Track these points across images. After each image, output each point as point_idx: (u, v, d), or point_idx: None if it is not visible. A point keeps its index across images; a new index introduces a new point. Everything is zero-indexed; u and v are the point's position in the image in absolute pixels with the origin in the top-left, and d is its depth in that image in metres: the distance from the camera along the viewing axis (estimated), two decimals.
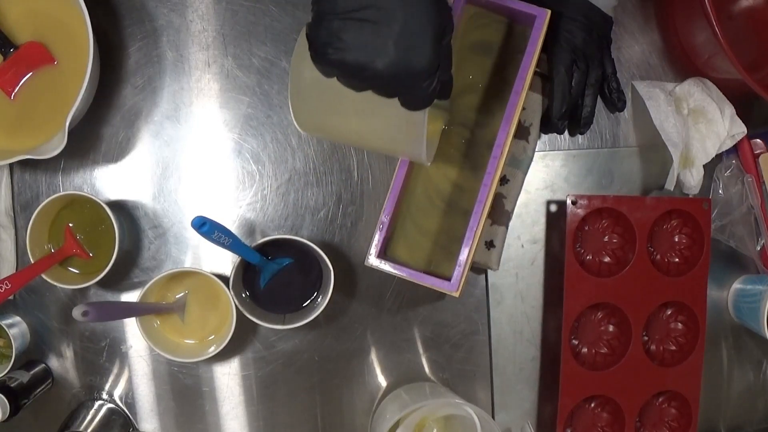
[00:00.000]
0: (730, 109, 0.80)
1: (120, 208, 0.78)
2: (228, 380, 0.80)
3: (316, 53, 0.49)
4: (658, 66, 0.83)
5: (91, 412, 0.77)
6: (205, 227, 0.64)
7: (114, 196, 0.79)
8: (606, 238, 0.80)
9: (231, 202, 0.79)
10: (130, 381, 0.80)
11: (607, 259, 0.80)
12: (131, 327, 0.78)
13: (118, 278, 0.78)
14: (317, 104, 0.60)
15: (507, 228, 0.77)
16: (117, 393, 0.80)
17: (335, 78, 0.51)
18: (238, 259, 0.72)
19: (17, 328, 0.77)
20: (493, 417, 0.82)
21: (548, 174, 0.82)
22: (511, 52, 0.74)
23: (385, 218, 0.70)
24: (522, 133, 0.76)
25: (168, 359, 0.76)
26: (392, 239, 0.74)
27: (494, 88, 0.73)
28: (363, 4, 0.47)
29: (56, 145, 0.67)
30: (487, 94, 0.74)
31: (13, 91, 0.74)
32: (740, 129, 0.80)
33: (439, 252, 0.73)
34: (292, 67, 0.59)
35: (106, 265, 0.72)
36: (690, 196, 0.82)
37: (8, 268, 0.78)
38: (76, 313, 0.60)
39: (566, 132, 0.82)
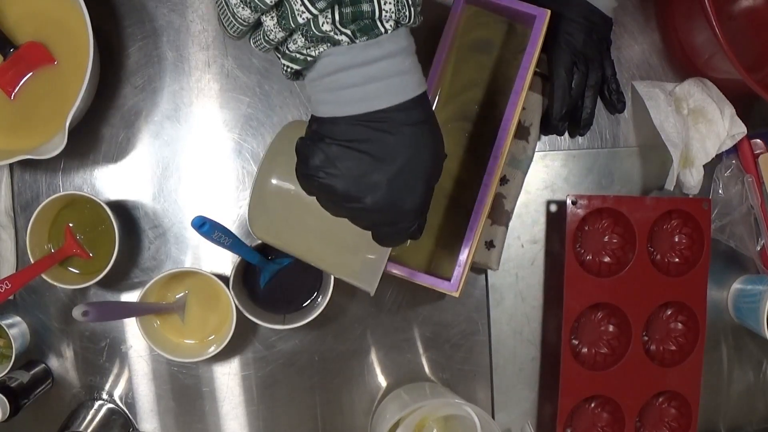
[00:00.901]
0: (730, 109, 0.80)
1: (120, 208, 0.78)
2: (228, 380, 0.80)
3: (306, 173, 0.48)
4: (658, 66, 0.83)
5: (91, 412, 0.77)
6: (205, 227, 0.64)
7: (114, 196, 0.79)
8: (606, 238, 0.80)
9: (231, 202, 0.79)
10: (130, 381, 0.80)
11: (607, 259, 0.80)
12: (131, 327, 0.78)
13: (118, 278, 0.78)
14: (278, 215, 0.59)
15: (507, 228, 0.77)
16: (117, 393, 0.80)
17: (304, 194, 0.51)
18: (238, 259, 0.72)
19: (17, 328, 0.77)
20: (493, 417, 0.82)
21: (548, 174, 0.82)
22: (512, 50, 0.74)
23: None
24: (522, 133, 0.76)
25: (168, 359, 0.76)
26: None
27: (496, 83, 0.74)
28: (367, 136, 0.47)
29: (56, 145, 0.67)
30: (489, 89, 0.74)
31: (13, 91, 0.74)
32: (740, 129, 0.80)
33: (441, 251, 0.73)
34: (259, 172, 0.59)
35: (106, 265, 0.72)
36: (690, 196, 0.82)
37: (8, 268, 0.78)
38: (76, 313, 0.60)
39: (566, 133, 0.82)
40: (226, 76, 0.78)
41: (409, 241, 0.72)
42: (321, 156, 0.47)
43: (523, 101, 0.69)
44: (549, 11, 0.69)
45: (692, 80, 0.81)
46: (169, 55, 0.78)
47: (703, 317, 0.79)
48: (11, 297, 0.76)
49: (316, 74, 0.48)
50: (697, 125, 0.80)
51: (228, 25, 0.51)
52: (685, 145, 0.79)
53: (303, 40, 0.46)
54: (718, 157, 0.82)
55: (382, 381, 0.81)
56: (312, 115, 0.49)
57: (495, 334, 0.82)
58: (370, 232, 0.52)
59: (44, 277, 0.72)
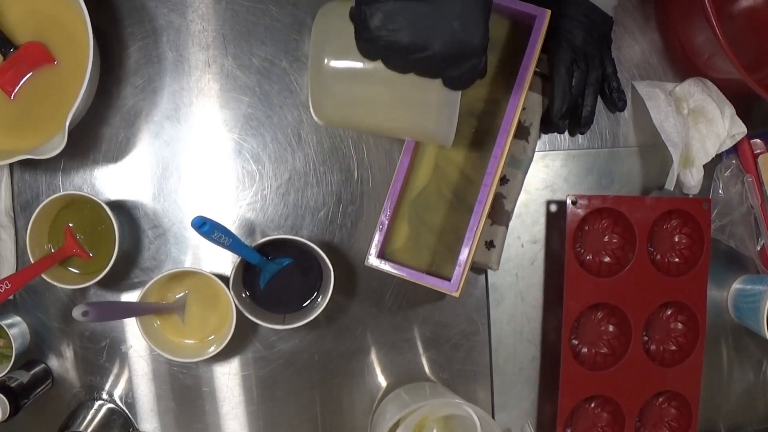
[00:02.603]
0: (730, 109, 0.80)
1: (120, 208, 0.78)
2: (228, 380, 0.80)
3: (369, 36, 0.48)
4: (658, 66, 0.83)
5: (91, 412, 0.77)
6: (205, 227, 0.64)
7: (114, 196, 0.79)
8: (606, 238, 0.80)
9: (231, 202, 0.79)
10: (130, 381, 0.80)
11: (607, 259, 0.80)
12: (131, 327, 0.78)
13: (118, 278, 0.78)
14: (341, 93, 0.59)
15: (507, 228, 0.77)
16: (117, 393, 0.80)
17: (364, 64, 0.51)
18: (238, 259, 0.72)
19: (17, 328, 0.77)
20: (493, 417, 0.82)
21: (548, 174, 0.82)
22: (515, 48, 0.74)
23: (384, 218, 0.70)
24: (522, 133, 0.76)
25: (168, 359, 0.76)
26: (393, 238, 0.74)
27: (499, 79, 0.74)
28: None
29: (56, 145, 0.67)
30: (493, 86, 0.74)
31: (13, 91, 0.74)
32: (740, 129, 0.80)
33: (443, 251, 0.73)
34: (312, 56, 0.58)
35: (106, 265, 0.72)
36: (690, 196, 0.82)
37: (8, 268, 0.78)
38: (76, 313, 0.60)
39: (566, 132, 0.82)
40: (226, 76, 0.78)
41: (412, 236, 0.73)
42: (380, 15, 0.47)
43: (523, 101, 0.69)
44: (549, 11, 0.69)
45: (692, 80, 0.81)
46: (169, 55, 0.78)
47: (703, 317, 0.79)
48: (11, 297, 0.76)
49: None
50: (697, 125, 0.80)
51: None
52: (685, 145, 0.79)
53: None
54: (718, 157, 0.82)
55: (382, 381, 0.81)
56: None
57: (495, 334, 0.82)
58: (439, 82, 0.52)
59: (44, 277, 0.72)
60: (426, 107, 0.58)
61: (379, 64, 0.51)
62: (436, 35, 0.48)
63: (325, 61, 0.57)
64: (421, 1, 0.47)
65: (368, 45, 0.49)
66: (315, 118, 0.62)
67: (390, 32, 0.48)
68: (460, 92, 0.57)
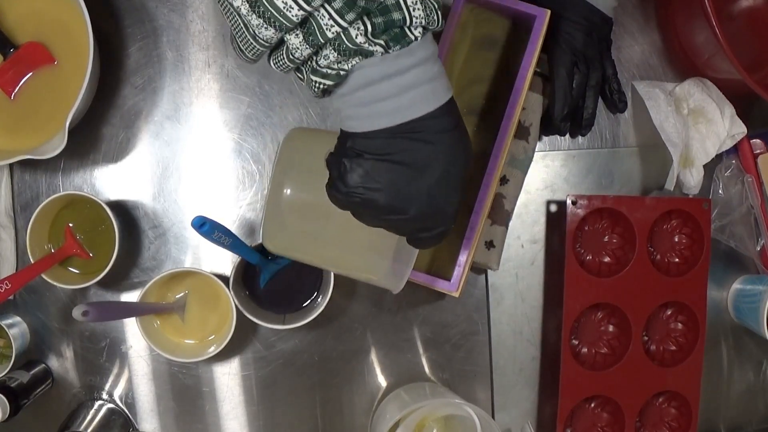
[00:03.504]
0: (730, 109, 0.80)
1: (120, 208, 0.78)
2: (228, 380, 0.80)
3: (345, 190, 0.47)
4: (658, 66, 0.83)
5: (91, 412, 0.77)
6: (205, 227, 0.64)
7: (114, 196, 0.79)
8: (606, 238, 0.80)
9: (231, 202, 0.79)
10: (130, 381, 0.80)
11: (607, 259, 0.80)
12: (131, 327, 0.78)
13: (118, 278, 0.78)
14: (295, 228, 0.58)
15: (507, 228, 0.77)
16: (117, 393, 0.80)
17: (324, 203, 0.50)
18: (238, 259, 0.72)
19: (17, 328, 0.77)
20: (493, 417, 0.82)
21: (548, 174, 0.82)
22: (515, 48, 0.74)
23: None
24: (522, 133, 0.76)
25: (168, 359, 0.76)
26: None
27: (500, 78, 0.74)
28: (404, 147, 0.46)
29: (56, 145, 0.67)
30: (494, 83, 0.74)
31: (13, 91, 0.74)
32: (740, 129, 0.80)
33: (441, 251, 0.73)
34: (271, 187, 0.58)
35: (106, 265, 0.72)
36: (690, 196, 0.82)
37: (8, 268, 0.78)
38: (76, 313, 0.60)
39: (567, 134, 0.82)
40: (226, 76, 0.78)
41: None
42: (359, 171, 0.47)
43: (523, 101, 0.69)
44: (549, 11, 0.69)
45: (692, 80, 0.81)
46: (169, 55, 0.78)
47: (703, 317, 0.79)
48: (11, 297, 0.76)
49: (349, 88, 0.46)
50: (697, 125, 0.80)
51: (246, 48, 0.48)
52: (685, 145, 0.79)
53: (335, 54, 0.45)
54: (718, 157, 0.82)
55: (382, 381, 0.81)
56: (342, 131, 0.48)
57: (495, 334, 0.82)
58: (398, 236, 0.52)
59: (44, 277, 0.72)
60: (382, 258, 0.58)
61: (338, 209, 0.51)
62: (414, 200, 0.47)
63: (285, 191, 0.57)
64: (402, 164, 0.46)
65: (342, 198, 0.48)
66: (264, 245, 0.62)
67: (367, 191, 0.47)
68: (415, 249, 0.57)
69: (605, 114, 0.82)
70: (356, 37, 0.44)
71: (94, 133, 0.78)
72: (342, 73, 0.45)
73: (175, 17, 0.78)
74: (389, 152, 0.46)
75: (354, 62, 0.45)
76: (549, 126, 0.75)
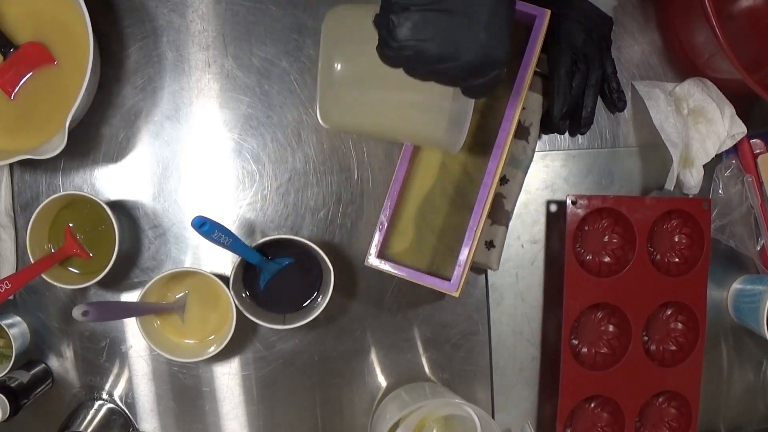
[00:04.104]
0: (730, 109, 0.80)
1: (120, 208, 0.78)
2: (228, 380, 0.80)
3: (396, 45, 0.48)
4: (658, 66, 0.83)
5: (91, 412, 0.77)
6: (205, 227, 0.64)
7: (114, 196, 0.79)
8: (606, 238, 0.80)
9: (231, 202, 0.79)
10: (130, 381, 0.80)
11: (607, 259, 0.80)
12: (131, 327, 0.78)
13: (118, 278, 0.78)
14: (352, 99, 0.59)
15: (507, 228, 0.77)
16: (117, 393, 0.80)
17: (377, 70, 0.50)
18: (238, 259, 0.72)
19: (17, 328, 0.77)
20: (493, 417, 0.82)
21: (548, 174, 0.82)
22: (515, 48, 0.73)
23: (384, 218, 0.70)
24: (522, 133, 0.76)
25: (168, 359, 0.76)
26: (394, 238, 0.74)
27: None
28: None
29: (56, 145, 0.67)
30: None
31: (13, 91, 0.74)
32: (740, 129, 0.80)
33: (443, 251, 0.73)
34: (322, 62, 0.58)
35: (106, 265, 0.72)
36: (690, 196, 0.82)
37: (8, 268, 0.78)
38: (76, 313, 0.60)
39: (566, 132, 0.82)
40: (226, 76, 0.78)
41: (412, 236, 0.73)
42: (408, 24, 0.47)
43: (523, 101, 0.69)
44: (549, 11, 0.69)
45: (692, 80, 0.81)
46: (169, 55, 0.78)
47: (703, 317, 0.79)
48: (11, 297, 0.76)
49: None
50: (697, 125, 0.80)
51: None
52: (685, 145, 0.79)
53: None
54: (718, 157, 0.82)
55: (382, 381, 0.81)
56: None
57: (495, 334, 0.82)
58: (454, 89, 0.52)
59: (44, 277, 0.72)
60: (439, 114, 0.58)
61: (393, 70, 0.51)
62: (464, 46, 0.48)
63: (336, 66, 0.57)
64: (449, 11, 0.47)
65: (393, 54, 0.49)
66: (322, 123, 0.62)
67: (418, 42, 0.47)
68: (473, 100, 0.57)
69: (605, 114, 0.82)
70: None
71: (94, 133, 0.78)
72: None
73: (175, 17, 0.78)
74: (435, 0, 0.47)
75: None
76: (548, 124, 0.75)
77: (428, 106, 0.58)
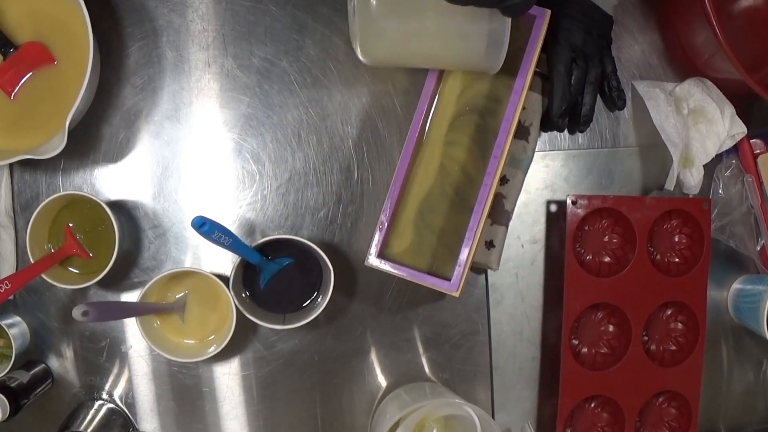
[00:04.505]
0: (730, 109, 0.80)
1: (120, 208, 0.78)
2: (228, 380, 0.80)
3: None
4: (658, 66, 0.83)
5: (91, 412, 0.77)
6: (205, 227, 0.64)
7: (114, 196, 0.79)
8: (606, 238, 0.80)
9: (231, 202, 0.79)
10: (130, 381, 0.80)
11: (607, 259, 0.80)
12: (131, 327, 0.78)
13: (118, 278, 0.78)
14: (392, 30, 0.60)
15: (507, 228, 0.77)
16: (117, 393, 0.80)
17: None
18: (238, 259, 0.72)
19: (17, 328, 0.77)
20: (493, 417, 0.82)
21: (548, 174, 0.82)
22: (515, 47, 0.73)
23: (384, 218, 0.70)
24: (522, 133, 0.76)
25: (168, 359, 0.76)
26: (394, 238, 0.74)
27: (500, 78, 0.73)
28: None
29: (56, 145, 0.67)
30: (494, 84, 0.74)
31: (13, 91, 0.74)
32: (740, 129, 0.80)
33: (444, 251, 0.73)
34: (358, 2, 0.59)
35: (106, 265, 0.72)
36: (690, 196, 0.82)
37: (8, 268, 0.78)
38: (76, 313, 0.60)
39: (566, 131, 0.82)
40: (226, 76, 0.78)
41: (412, 236, 0.73)
42: None
43: (523, 101, 0.69)
44: (549, 11, 0.69)
45: (692, 80, 0.81)
46: (169, 55, 0.78)
47: (703, 317, 0.79)
48: (11, 297, 0.76)
49: None
50: (697, 125, 0.80)
51: None
52: (685, 145, 0.79)
53: None
54: (718, 157, 0.82)
55: (382, 381, 0.81)
56: None
57: (495, 334, 0.82)
58: (489, 10, 0.55)
59: (44, 277, 0.72)
60: (478, 36, 0.60)
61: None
62: None
63: (373, 1, 0.58)
64: None
65: None
66: (363, 59, 0.63)
67: None
68: (510, 20, 0.59)
69: (605, 114, 0.82)
70: None
71: (94, 133, 0.78)
72: None
73: (175, 17, 0.78)
74: None
75: None
76: (547, 122, 0.75)
77: (467, 29, 0.60)
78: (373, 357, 0.81)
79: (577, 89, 0.74)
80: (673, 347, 0.81)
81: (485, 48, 0.61)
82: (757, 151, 0.82)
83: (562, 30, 0.72)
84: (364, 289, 0.80)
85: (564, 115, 0.74)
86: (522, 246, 0.82)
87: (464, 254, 0.68)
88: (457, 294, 0.68)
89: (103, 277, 0.72)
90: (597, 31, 0.74)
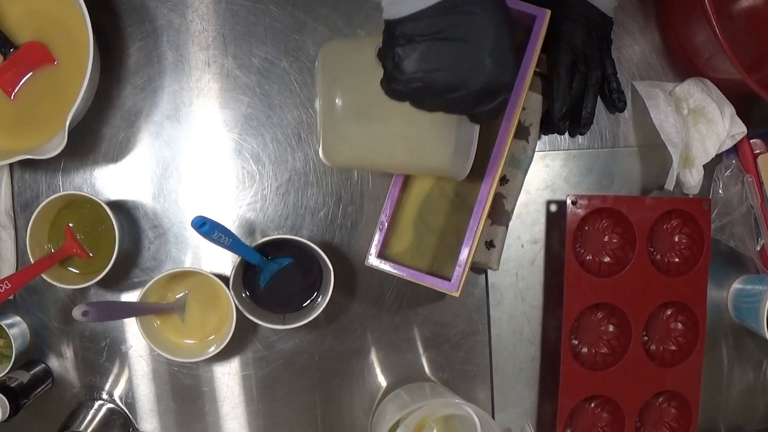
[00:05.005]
0: (730, 109, 0.80)
1: (120, 208, 0.78)
2: (228, 380, 0.80)
3: (403, 78, 0.47)
4: (658, 66, 0.83)
5: (91, 412, 0.77)
6: (205, 227, 0.64)
7: (114, 196, 0.79)
8: (606, 238, 0.80)
9: (231, 202, 0.79)
10: (130, 381, 0.80)
11: (607, 259, 0.80)
12: (131, 327, 0.78)
13: (118, 278, 0.78)
14: (356, 136, 0.58)
15: (507, 228, 0.77)
16: (117, 393, 0.80)
17: (380, 104, 0.49)
18: (238, 259, 0.72)
19: (17, 328, 0.77)
20: (493, 417, 0.82)
21: (548, 174, 0.82)
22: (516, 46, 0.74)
23: (385, 218, 0.70)
24: (522, 133, 0.76)
25: (168, 359, 0.76)
26: (394, 238, 0.74)
27: None
28: (454, 21, 0.46)
29: (56, 145, 0.67)
30: None
31: (13, 91, 0.74)
32: (740, 129, 0.80)
33: (444, 251, 0.73)
34: (322, 100, 0.56)
35: (106, 265, 0.72)
36: (690, 196, 0.82)
37: (8, 268, 0.78)
38: (76, 313, 0.60)
39: (566, 132, 0.82)
40: (226, 76, 0.78)
41: (412, 236, 0.73)
42: (415, 56, 0.46)
43: (523, 101, 0.69)
44: (549, 11, 0.69)
45: (692, 80, 0.81)
46: (169, 55, 0.78)
47: (703, 317, 0.79)
48: (11, 297, 0.76)
49: None
50: (697, 125, 0.80)
51: None
52: (685, 145, 0.79)
53: None
54: (718, 157, 0.82)
55: (382, 381, 0.81)
56: (388, 21, 0.48)
57: (495, 334, 0.82)
58: (458, 117, 0.52)
59: (44, 277, 0.72)
60: (445, 143, 0.57)
61: (396, 103, 0.50)
62: (472, 74, 0.47)
63: (338, 103, 0.56)
64: (454, 40, 0.46)
65: (401, 87, 0.48)
66: (326, 162, 0.60)
67: (426, 74, 0.47)
68: (478, 126, 0.56)
69: (605, 114, 0.82)
70: None
71: (94, 133, 0.78)
72: None
73: (175, 17, 0.78)
74: (440, 29, 0.46)
75: None
76: (548, 125, 0.75)
77: (434, 136, 0.57)
78: (373, 357, 0.81)
79: (577, 92, 0.74)
80: (673, 347, 0.81)
81: (452, 155, 0.58)
82: (757, 151, 0.82)
83: (562, 33, 0.72)
84: (364, 289, 0.80)
85: (565, 117, 0.74)
86: (522, 246, 0.82)
87: (464, 254, 0.68)
88: (457, 294, 0.68)
89: (103, 277, 0.72)
90: (597, 33, 0.74)
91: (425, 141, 0.58)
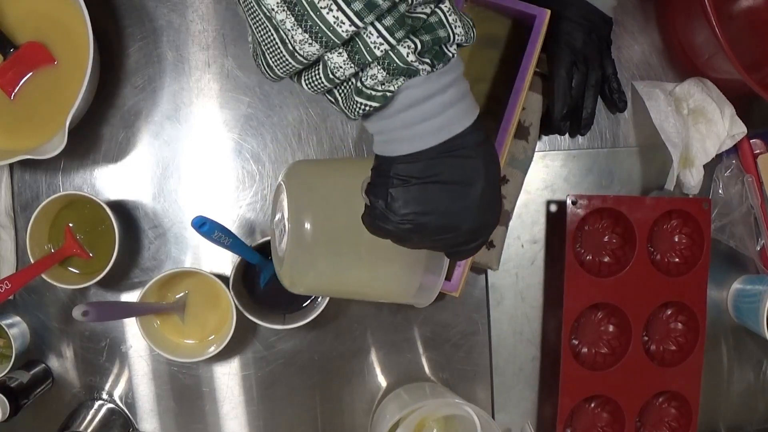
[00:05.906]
0: (730, 109, 0.80)
1: (120, 208, 0.78)
2: (228, 380, 0.80)
3: (394, 219, 0.46)
4: (658, 66, 0.83)
5: (91, 412, 0.77)
6: (205, 227, 0.64)
7: (114, 196, 0.79)
8: (606, 238, 0.80)
9: (231, 202, 0.79)
10: (130, 381, 0.80)
11: (607, 259, 0.80)
12: (131, 327, 0.78)
13: (118, 278, 0.78)
14: (324, 265, 0.56)
15: (507, 228, 0.77)
16: (117, 393, 0.80)
17: (351, 234, 0.49)
18: (238, 259, 0.72)
19: (17, 328, 0.77)
20: (493, 417, 0.82)
21: (548, 174, 0.82)
22: (515, 47, 0.74)
23: None
24: (522, 133, 0.76)
25: (168, 359, 0.76)
26: None
27: (502, 77, 0.74)
28: (449, 165, 0.45)
29: (56, 145, 0.67)
30: (495, 83, 0.74)
31: (13, 91, 0.74)
32: (740, 129, 0.80)
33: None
34: (292, 223, 0.53)
35: (106, 265, 0.72)
36: (690, 196, 0.82)
37: (8, 268, 0.78)
38: (76, 313, 0.60)
39: (567, 133, 0.82)
40: (226, 76, 0.78)
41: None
42: (408, 198, 0.45)
43: (523, 101, 0.69)
44: (549, 11, 0.69)
45: (692, 80, 0.81)
46: (169, 55, 0.78)
47: (703, 317, 0.79)
48: (11, 297, 0.76)
49: (393, 110, 0.45)
50: (697, 125, 0.80)
51: (278, 65, 0.45)
52: (685, 145, 0.79)
53: (384, 73, 0.43)
54: (718, 157, 0.82)
55: (382, 381, 0.81)
56: (380, 156, 0.47)
57: (495, 334, 0.82)
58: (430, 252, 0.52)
59: (44, 277, 0.72)
60: (414, 274, 0.57)
61: (370, 236, 0.49)
62: (463, 216, 0.46)
63: (308, 231, 0.53)
64: (450, 183, 0.46)
65: (391, 227, 0.47)
66: (288, 287, 0.58)
67: (418, 216, 0.46)
68: (447, 262, 0.57)
69: (605, 114, 0.82)
70: (407, 56, 0.42)
71: (94, 133, 0.78)
72: (388, 94, 0.44)
73: (175, 17, 0.78)
74: (436, 173, 0.45)
75: (400, 82, 0.43)
76: (549, 126, 0.75)
77: (403, 266, 0.56)
78: (373, 357, 0.81)
79: (578, 93, 0.74)
80: (673, 347, 0.81)
81: (418, 285, 0.57)
82: (757, 151, 0.82)
83: (562, 33, 0.72)
84: None
85: (565, 118, 0.74)
86: (522, 246, 0.82)
87: None
88: (457, 294, 0.68)
89: (103, 277, 0.72)
90: (597, 34, 0.73)
91: (393, 274, 0.57)
